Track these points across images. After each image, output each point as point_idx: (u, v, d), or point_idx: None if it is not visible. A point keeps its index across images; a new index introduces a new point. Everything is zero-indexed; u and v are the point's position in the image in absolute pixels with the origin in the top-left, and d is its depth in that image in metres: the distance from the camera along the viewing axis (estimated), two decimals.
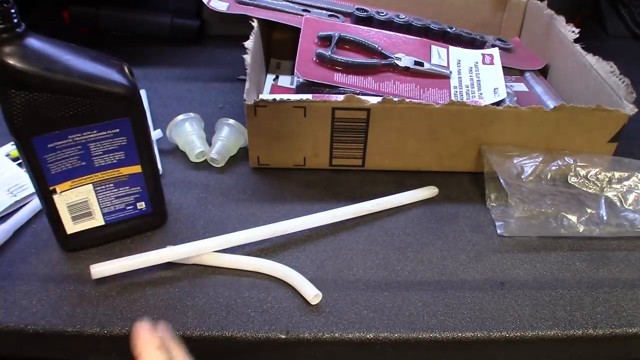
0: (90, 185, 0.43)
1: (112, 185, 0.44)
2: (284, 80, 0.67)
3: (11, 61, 0.35)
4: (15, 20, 0.36)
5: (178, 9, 0.81)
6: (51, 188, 0.41)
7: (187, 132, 0.57)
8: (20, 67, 0.36)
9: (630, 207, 0.52)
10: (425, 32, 0.70)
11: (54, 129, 0.39)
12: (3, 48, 0.35)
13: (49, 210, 0.43)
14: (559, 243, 0.50)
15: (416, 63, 0.63)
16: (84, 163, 0.42)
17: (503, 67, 0.65)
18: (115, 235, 0.47)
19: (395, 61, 0.62)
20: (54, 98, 0.37)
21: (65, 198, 0.43)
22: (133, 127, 0.42)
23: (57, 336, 0.40)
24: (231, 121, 0.57)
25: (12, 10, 0.35)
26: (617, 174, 0.54)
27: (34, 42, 0.37)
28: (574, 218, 0.50)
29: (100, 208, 0.45)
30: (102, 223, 0.46)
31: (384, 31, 0.67)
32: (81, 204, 0.44)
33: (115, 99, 0.40)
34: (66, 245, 0.46)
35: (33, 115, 0.37)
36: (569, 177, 0.54)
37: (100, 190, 0.44)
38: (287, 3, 0.69)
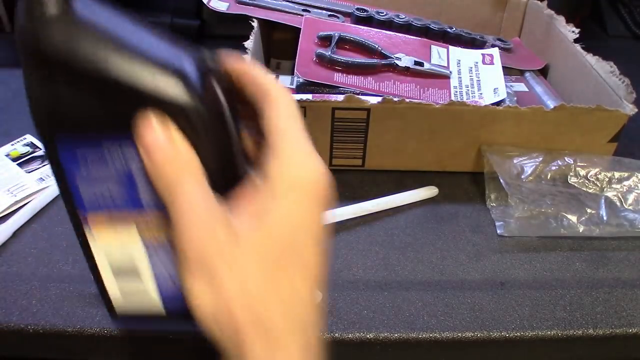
0: (134, 228, 0.29)
1: (164, 239, 0.29)
2: (284, 80, 0.67)
3: (45, 31, 0.25)
4: None
5: (178, 9, 0.80)
6: (82, 216, 0.29)
7: None
8: (48, 42, 0.25)
9: (630, 207, 0.52)
10: (425, 32, 0.70)
11: (84, 131, 0.27)
12: (40, 8, 0.25)
13: (83, 248, 0.31)
14: (559, 243, 0.50)
15: (416, 63, 0.63)
16: (124, 191, 0.28)
17: (503, 67, 0.65)
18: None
19: (395, 61, 0.62)
20: (82, 89, 0.26)
21: (101, 236, 0.30)
22: (200, 155, 0.26)
23: (57, 336, 0.40)
24: None
25: None
26: (617, 174, 0.54)
27: (80, 5, 0.26)
28: (574, 218, 0.50)
29: (152, 274, 0.31)
30: (154, 295, 0.31)
31: (384, 31, 0.67)
32: (123, 253, 0.30)
33: (171, 112, 0.25)
34: (112, 312, 0.33)
35: (58, 108, 0.26)
36: (569, 177, 0.54)
37: (150, 244, 0.30)
38: (287, 3, 0.69)
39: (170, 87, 0.25)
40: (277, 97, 0.28)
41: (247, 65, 0.29)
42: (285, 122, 0.27)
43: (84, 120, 0.27)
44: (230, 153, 0.28)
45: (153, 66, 0.26)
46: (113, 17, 0.28)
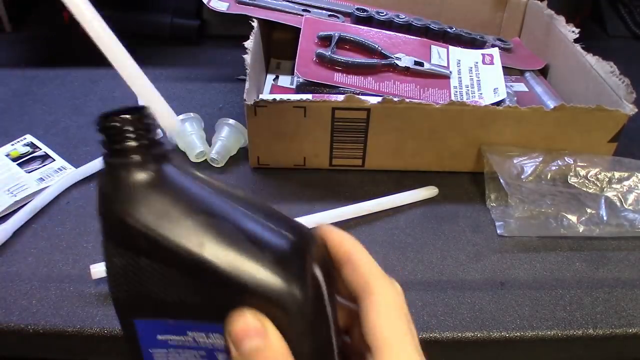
0: None
1: None
2: (284, 80, 0.67)
3: (130, 204, 0.23)
4: (152, 137, 0.24)
5: (178, 9, 0.80)
6: None
7: (187, 132, 0.57)
8: (137, 217, 0.23)
9: (630, 207, 0.52)
10: (425, 32, 0.70)
11: (167, 316, 0.24)
12: (127, 176, 0.23)
13: None
14: (559, 243, 0.50)
15: (416, 63, 0.63)
16: None
17: (503, 67, 0.65)
18: None
19: (395, 61, 0.62)
20: (168, 272, 0.23)
21: None
22: (293, 348, 0.23)
23: (57, 336, 0.40)
24: (231, 121, 0.57)
25: (149, 122, 0.24)
26: (617, 174, 0.54)
27: (170, 173, 0.24)
28: (574, 218, 0.50)
29: None
30: None
31: (384, 31, 0.67)
32: None
33: (266, 300, 0.23)
34: None
35: (138, 288, 0.24)
36: (569, 177, 0.54)
37: None
38: (287, 3, 0.69)
39: (268, 275, 0.23)
40: (380, 294, 0.26)
41: (350, 247, 0.27)
42: (390, 329, 0.25)
43: (168, 305, 0.24)
44: (326, 348, 0.25)
45: (249, 251, 0.23)
46: (204, 187, 0.25)
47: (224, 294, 0.23)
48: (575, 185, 0.54)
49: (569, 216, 0.51)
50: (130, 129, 0.23)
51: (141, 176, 0.23)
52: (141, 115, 0.24)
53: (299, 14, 0.68)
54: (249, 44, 0.57)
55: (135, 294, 0.24)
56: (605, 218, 0.51)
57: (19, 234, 0.48)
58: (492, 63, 0.65)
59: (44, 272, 0.44)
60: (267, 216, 0.25)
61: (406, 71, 0.62)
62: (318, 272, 0.24)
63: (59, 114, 0.63)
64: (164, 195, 0.23)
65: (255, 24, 0.62)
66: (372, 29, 0.67)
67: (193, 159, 0.56)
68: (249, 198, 0.26)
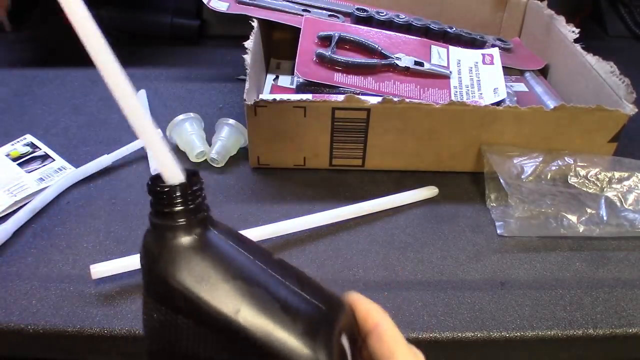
0: None
1: None
2: (284, 80, 0.67)
3: (173, 266, 0.24)
4: (199, 203, 0.26)
5: (178, 9, 0.80)
6: None
7: (187, 132, 0.57)
8: (179, 278, 0.24)
9: (630, 207, 0.52)
10: (425, 32, 0.70)
11: None
12: (172, 238, 0.25)
13: None
14: (559, 243, 0.50)
15: (416, 63, 0.63)
16: None
17: (503, 67, 0.65)
18: None
19: (395, 61, 0.62)
20: (203, 332, 0.25)
21: None
22: None
23: (57, 336, 0.40)
24: (231, 121, 0.57)
25: (197, 188, 0.26)
26: (617, 174, 0.54)
27: (212, 238, 0.26)
28: (574, 218, 0.50)
29: None
30: None
31: (384, 31, 0.67)
32: None
33: None
34: None
35: (173, 344, 0.25)
36: (569, 177, 0.54)
37: None
38: (287, 3, 0.69)
39: (298, 345, 0.24)
40: None
41: (377, 318, 0.28)
42: None
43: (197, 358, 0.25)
44: None
45: (282, 319, 0.24)
46: (243, 251, 0.27)
47: (255, 359, 0.24)
48: (575, 185, 0.54)
49: (569, 216, 0.51)
50: (179, 194, 0.25)
51: (185, 240, 0.25)
52: (190, 182, 0.25)
53: (299, 14, 0.68)
54: (249, 44, 0.57)
55: (169, 349, 0.25)
56: (605, 218, 0.51)
57: (19, 234, 0.48)
58: (492, 63, 0.66)
59: (44, 272, 0.44)
60: (300, 283, 0.26)
61: (406, 71, 0.62)
62: (345, 342, 0.26)
63: (59, 114, 0.63)
64: (205, 259, 0.25)
65: (255, 24, 0.62)
66: (372, 29, 0.67)
67: (193, 159, 0.56)
68: (282, 262, 0.27)
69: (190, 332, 0.25)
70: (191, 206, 0.25)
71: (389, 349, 0.27)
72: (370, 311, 0.28)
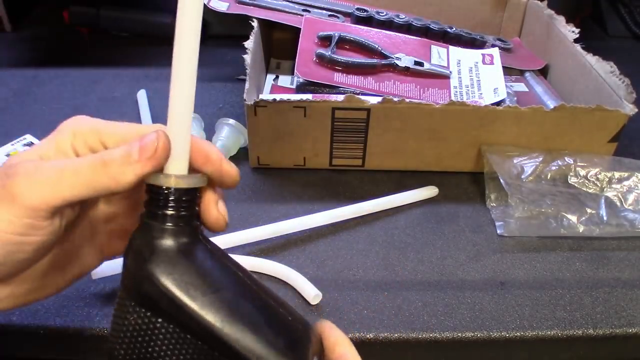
0: None
1: None
2: (284, 80, 0.67)
3: (162, 265, 0.24)
4: (192, 211, 0.26)
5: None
6: None
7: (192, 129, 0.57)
8: (167, 279, 0.24)
9: (630, 207, 0.52)
10: (425, 32, 0.70)
11: None
12: (163, 239, 0.25)
13: None
14: (559, 243, 0.50)
15: (416, 63, 0.63)
16: None
17: (503, 67, 0.65)
18: None
19: (395, 61, 0.62)
20: (184, 339, 0.24)
21: None
22: None
23: (57, 336, 0.40)
24: (231, 121, 0.57)
25: (194, 197, 0.26)
26: (617, 174, 0.54)
27: (200, 247, 0.26)
28: (574, 218, 0.50)
29: None
30: None
31: (384, 31, 0.67)
32: None
33: None
34: None
35: (145, 350, 0.25)
36: (569, 177, 0.54)
37: None
38: (287, 3, 0.69)
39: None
40: None
41: (342, 350, 0.29)
42: None
43: None
44: None
45: (266, 335, 0.25)
46: (229, 264, 0.27)
47: None
48: (575, 185, 0.54)
49: (569, 216, 0.51)
50: (175, 198, 0.25)
51: (177, 244, 0.25)
52: (189, 190, 0.25)
53: (299, 14, 0.68)
54: (249, 44, 0.57)
55: (139, 353, 0.25)
56: (605, 218, 0.51)
57: None
58: (492, 63, 0.66)
59: None
60: (278, 303, 0.27)
61: (406, 71, 0.62)
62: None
63: (59, 114, 0.63)
64: (195, 266, 0.25)
65: (255, 24, 0.62)
66: (372, 29, 0.67)
67: None
68: (262, 283, 0.28)
69: (168, 337, 0.24)
70: (187, 213, 0.26)
71: None
72: (338, 340, 0.29)
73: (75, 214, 0.29)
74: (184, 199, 0.26)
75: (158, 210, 0.25)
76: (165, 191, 0.25)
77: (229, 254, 0.28)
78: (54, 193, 0.25)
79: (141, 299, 0.24)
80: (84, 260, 0.31)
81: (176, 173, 0.26)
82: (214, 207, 0.29)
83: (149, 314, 0.24)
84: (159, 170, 0.26)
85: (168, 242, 0.25)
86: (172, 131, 0.26)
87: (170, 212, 0.25)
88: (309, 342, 0.26)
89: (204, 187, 0.28)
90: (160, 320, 0.24)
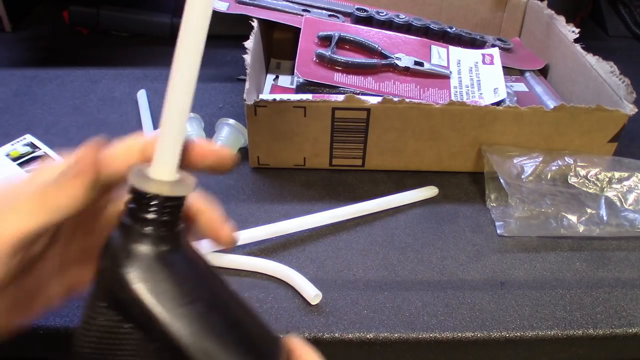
0: None
1: None
2: (284, 80, 0.67)
3: (137, 270, 0.24)
4: (175, 219, 0.25)
5: (178, 9, 0.80)
6: None
7: (187, 132, 0.57)
8: (140, 284, 0.23)
9: (630, 207, 0.52)
10: (425, 32, 0.70)
11: None
12: (141, 243, 0.24)
13: None
14: (559, 243, 0.50)
15: (416, 63, 0.63)
16: None
17: (503, 67, 0.65)
18: None
19: (395, 61, 0.62)
20: (152, 347, 0.24)
21: None
22: None
23: (57, 336, 0.40)
24: (231, 121, 0.57)
25: (179, 205, 0.25)
26: (617, 174, 0.54)
27: (180, 256, 0.25)
28: (574, 218, 0.50)
29: None
30: None
31: (384, 31, 0.67)
32: None
33: None
34: None
35: (110, 353, 0.24)
36: (569, 177, 0.54)
37: None
38: (287, 3, 0.69)
39: None
40: None
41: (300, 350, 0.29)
42: None
43: None
44: None
45: (236, 349, 0.24)
46: (207, 275, 0.26)
47: None
48: (575, 185, 0.54)
49: (569, 216, 0.51)
50: (157, 202, 0.24)
51: (156, 250, 0.24)
52: (174, 197, 0.24)
53: (299, 14, 0.68)
54: (249, 44, 0.57)
55: (104, 356, 0.24)
56: (605, 218, 0.51)
57: None
58: (492, 63, 0.66)
59: None
60: (251, 316, 0.26)
61: (406, 71, 0.62)
62: None
63: (59, 114, 0.63)
64: (170, 275, 0.24)
65: (255, 24, 0.62)
66: (372, 29, 0.67)
67: None
68: (236, 294, 0.27)
69: (136, 343, 0.24)
70: (169, 219, 0.25)
71: None
72: (306, 356, 0.28)
73: (37, 250, 0.26)
74: (167, 204, 0.25)
75: (139, 212, 0.24)
76: (147, 196, 0.24)
77: (212, 260, 0.28)
78: None
79: (113, 302, 0.24)
80: (50, 298, 0.30)
81: (162, 178, 0.25)
82: (225, 226, 0.28)
83: (118, 318, 0.24)
84: (143, 174, 0.25)
85: (146, 248, 0.24)
86: (162, 135, 0.25)
87: (151, 216, 0.24)
88: (278, 358, 0.26)
89: (210, 208, 0.28)
90: (129, 325, 0.24)
